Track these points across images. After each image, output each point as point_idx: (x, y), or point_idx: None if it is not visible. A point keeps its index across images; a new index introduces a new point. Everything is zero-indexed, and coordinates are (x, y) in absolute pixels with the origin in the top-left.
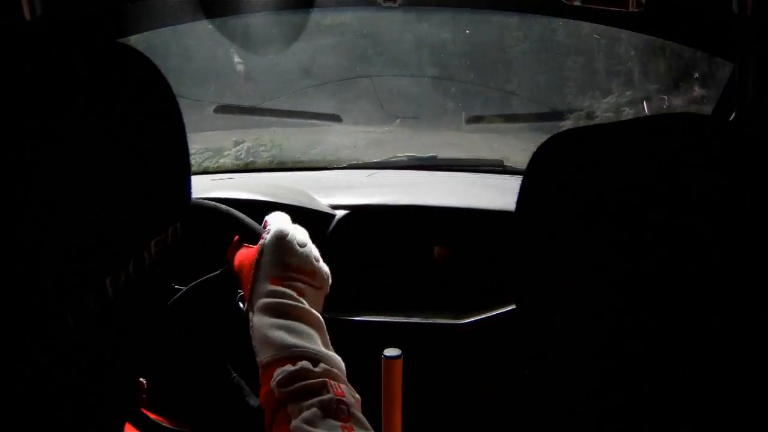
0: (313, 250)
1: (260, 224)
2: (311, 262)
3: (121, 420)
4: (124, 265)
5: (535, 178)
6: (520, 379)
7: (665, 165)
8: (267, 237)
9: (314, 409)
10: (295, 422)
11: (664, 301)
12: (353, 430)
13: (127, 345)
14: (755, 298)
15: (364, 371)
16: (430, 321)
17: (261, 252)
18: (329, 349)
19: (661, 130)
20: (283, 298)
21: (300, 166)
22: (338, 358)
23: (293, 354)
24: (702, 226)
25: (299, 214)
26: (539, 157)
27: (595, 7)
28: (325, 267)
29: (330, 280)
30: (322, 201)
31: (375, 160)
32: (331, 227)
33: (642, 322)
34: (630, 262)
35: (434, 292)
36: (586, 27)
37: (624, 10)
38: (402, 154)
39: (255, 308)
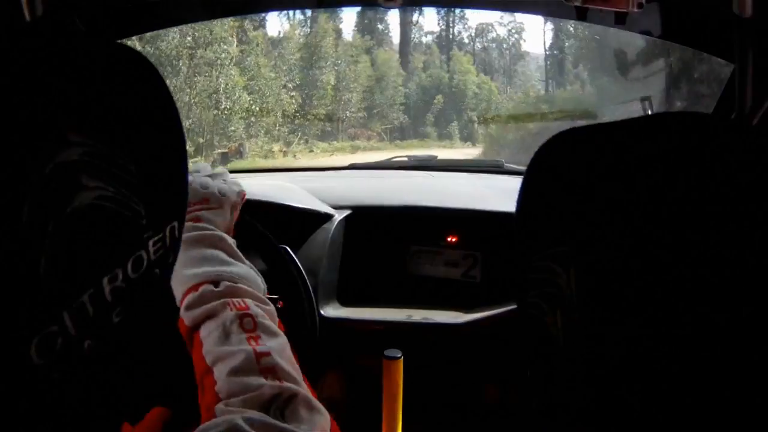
0: (200, 178)
1: (269, 229)
2: (198, 192)
3: (119, 421)
4: (121, 264)
5: (535, 179)
6: (521, 379)
7: (666, 164)
8: None
9: (217, 332)
10: (205, 347)
11: (666, 300)
12: (260, 338)
13: (125, 345)
14: (757, 299)
15: (365, 371)
16: (431, 321)
17: None
18: (237, 260)
19: (662, 130)
20: None
21: (301, 166)
22: (245, 269)
23: (196, 281)
24: (703, 226)
25: (300, 215)
26: (540, 157)
27: (595, 7)
28: (219, 186)
29: (234, 194)
30: (324, 201)
31: (375, 161)
32: (333, 228)
33: (644, 321)
34: (632, 262)
35: (435, 292)
36: None
37: (624, 10)
38: (402, 155)
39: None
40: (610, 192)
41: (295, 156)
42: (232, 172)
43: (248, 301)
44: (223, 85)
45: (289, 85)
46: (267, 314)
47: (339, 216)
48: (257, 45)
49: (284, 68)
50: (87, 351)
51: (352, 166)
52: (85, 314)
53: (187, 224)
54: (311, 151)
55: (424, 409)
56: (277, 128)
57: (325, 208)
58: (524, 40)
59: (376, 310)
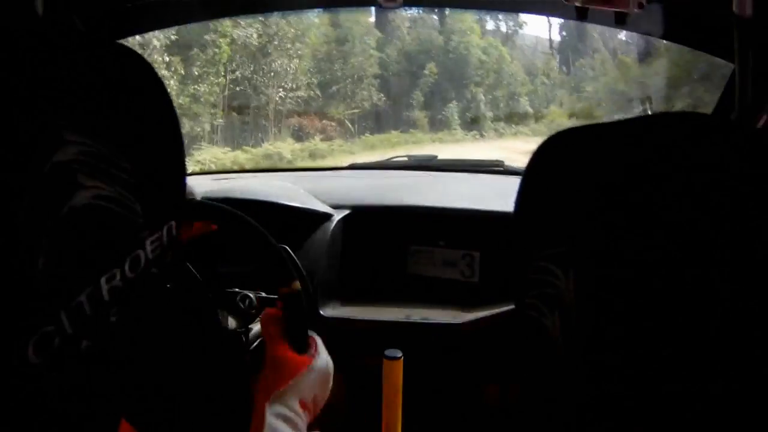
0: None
1: (268, 229)
2: (325, 397)
3: (116, 419)
4: (119, 263)
5: (533, 178)
6: (520, 379)
7: (665, 164)
8: (318, 360)
9: None
10: None
11: (664, 300)
12: None
13: (123, 343)
14: (756, 299)
15: (364, 371)
16: (430, 321)
17: (310, 370)
18: None
19: (662, 130)
20: (297, 421)
21: (301, 166)
22: None
23: None
24: (703, 226)
25: (300, 215)
26: (538, 156)
27: (595, 7)
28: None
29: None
30: (323, 201)
31: (375, 160)
32: (332, 227)
33: (642, 322)
34: (629, 262)
35: (434, 292)
36: None
37: (624, 10)
38: (402, 155)
39: (272, 408)
40: (609, 192)
41: None
42: (230, 172)
43: None
44: None
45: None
46: None
47: (338, 216)
48: None
49: None
50: (84, 350)
51: (352, 166)
52: (83, 314)
53: (301, 422)
54: None
55: (424, 409)
56: None
57: (325, 208)
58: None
59: (375, 310)
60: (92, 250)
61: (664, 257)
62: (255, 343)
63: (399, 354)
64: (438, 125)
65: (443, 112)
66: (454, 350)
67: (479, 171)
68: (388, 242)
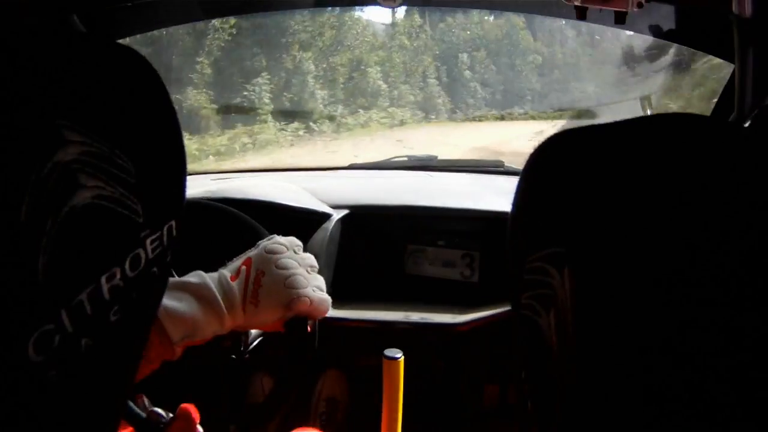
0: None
1: (267, 228)
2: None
3: (116, 419)
4: (120, 263)
5: (531, 179)
6: (518, 379)
7: (664, 165)
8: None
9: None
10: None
11: (661, 302)
12: None
13: (123, 344)
14: (755, 300)
15: (364, 371)
16: (428, 321)
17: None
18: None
19: (660, 130)
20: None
21: (300, 166)
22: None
23: None
24: (702, 227)
25: (299, 214)
26: (536, 157)
27: (595, 6)
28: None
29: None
30: (322, 201)
31: (375, 161)
32: (331, 227)
33: (638, 323)
34: (627, 263)
35: (433, 291)
36: None
37: (624, 10)
38: (402, 155)
39: None
40: (606, 193)
41: None
42: (229, 172)
43: None
44: None
45: None
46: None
47: (337, 215)
48: None
49: None
50: (84, 349)
51: (352, 166)
52: (83, 312)
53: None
54: None
55: (424, 409)
56: None
57: (324, 208)
58: None
59: (374, 310)
60: (93, 249)
61: (659, 257)
62: (255, 343)
63: (399, 354)
64: (235, 116)
65: (246, 93)
66: (453, 350)
67: (479, 171)
68: (387, 242)
